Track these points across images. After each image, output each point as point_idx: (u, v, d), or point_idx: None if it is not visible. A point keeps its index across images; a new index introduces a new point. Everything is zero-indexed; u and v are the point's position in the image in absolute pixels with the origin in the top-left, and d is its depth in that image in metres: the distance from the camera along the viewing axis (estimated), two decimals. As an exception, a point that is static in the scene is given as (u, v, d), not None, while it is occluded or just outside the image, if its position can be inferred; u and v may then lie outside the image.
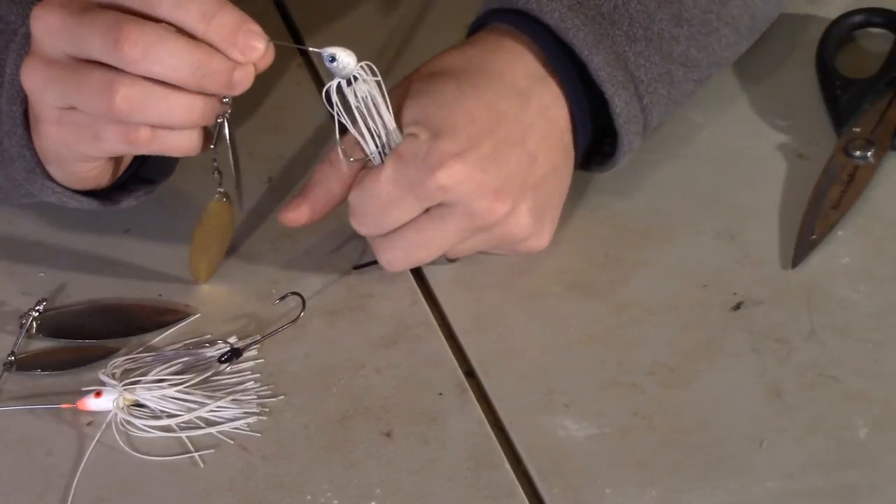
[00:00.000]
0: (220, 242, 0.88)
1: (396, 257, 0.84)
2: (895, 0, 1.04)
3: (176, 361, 0.82)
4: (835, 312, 0.85)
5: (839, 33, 1.03)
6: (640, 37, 0.86)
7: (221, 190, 0.86)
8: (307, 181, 0.86)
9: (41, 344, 0.85)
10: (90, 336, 0.85)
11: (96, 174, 0.84)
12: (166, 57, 0.76)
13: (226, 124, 0.81)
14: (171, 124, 0.79)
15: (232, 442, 0.79)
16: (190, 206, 0.92)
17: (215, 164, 0.84)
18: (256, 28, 0.78)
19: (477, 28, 0.89)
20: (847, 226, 0.90)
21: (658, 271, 0.88)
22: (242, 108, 1.02)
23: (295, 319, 0.85)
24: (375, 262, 0.88)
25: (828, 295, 0.86)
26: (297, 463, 0.78)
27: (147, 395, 0.80)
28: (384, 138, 0.82)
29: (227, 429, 0.80)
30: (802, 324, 0.85)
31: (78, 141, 0.80)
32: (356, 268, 0.89)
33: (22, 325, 0.85)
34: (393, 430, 0.80)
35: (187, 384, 0.81)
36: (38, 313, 0.86)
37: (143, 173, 0.89)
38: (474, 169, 0.81)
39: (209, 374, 0.82)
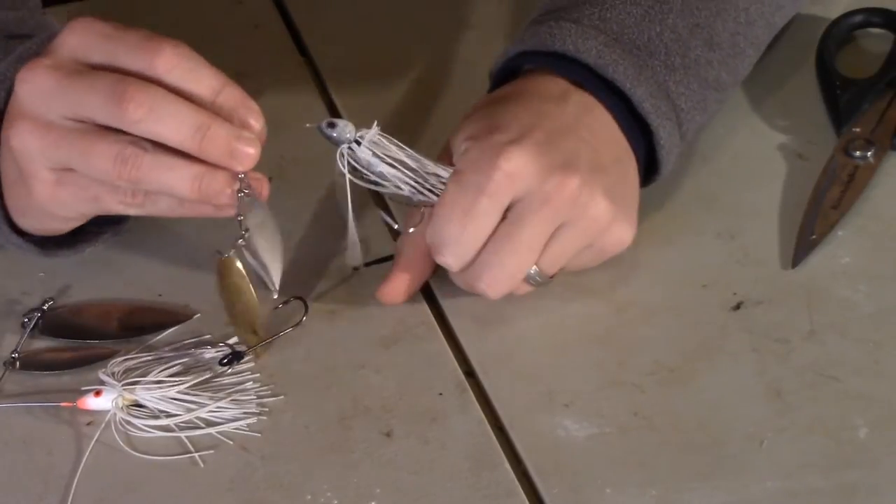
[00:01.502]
0: (245, 294, 0.85)
1: (494, 276, 0.82)
2: (895, 0, 1.04)
3: (176, 362, 0.82)
4: (835, 312, 0.85)
5: (839, 33, 1.03)
6: (678, 65, 0.87)
7: (232, 252, 0.84)
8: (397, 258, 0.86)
9: (42, 343, 0.85)
10: (91, 336, 0.85)
11: (71, 227, 0.84)
12: (169, 117, 0.76)
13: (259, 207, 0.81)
14: (176, 194, 0.78)
15: (232, 442, 0.79)
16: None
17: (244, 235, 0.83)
18: (255, 108, 0.79)
19: (505, 70, 0.89)
20: (847, 226, 0.90)
21: (658, 271, 0.88)
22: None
23: (297, 324, 0.85)
24: (377, 262, 0.88)
25: (828, 295, 0.86)
26: (297, 463, 0.78)
27: (146, 395, 0.80)
28: (420, 178, 0.82)
29: (227, 429, 0.80)
30: (802, 324, 0.85)
31: (75, 201, 0.79)
32: (356, 268, 0.89)
33: (24, 325, 0.85)
34: (393, 430, 0.80)
35: (187, 385, 0.81)
36: (41, 313, 0.86)
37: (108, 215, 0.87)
38: (533, 151, 0.80)
39: (209, 375, 0.82)
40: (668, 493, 0.76)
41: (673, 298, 0.87)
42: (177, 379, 0.81)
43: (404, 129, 1.00)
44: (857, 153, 0.94)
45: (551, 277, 0.84)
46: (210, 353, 0.83)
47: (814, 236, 0.89)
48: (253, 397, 0.81)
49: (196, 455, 0.78)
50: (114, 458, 0.79)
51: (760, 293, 0.86)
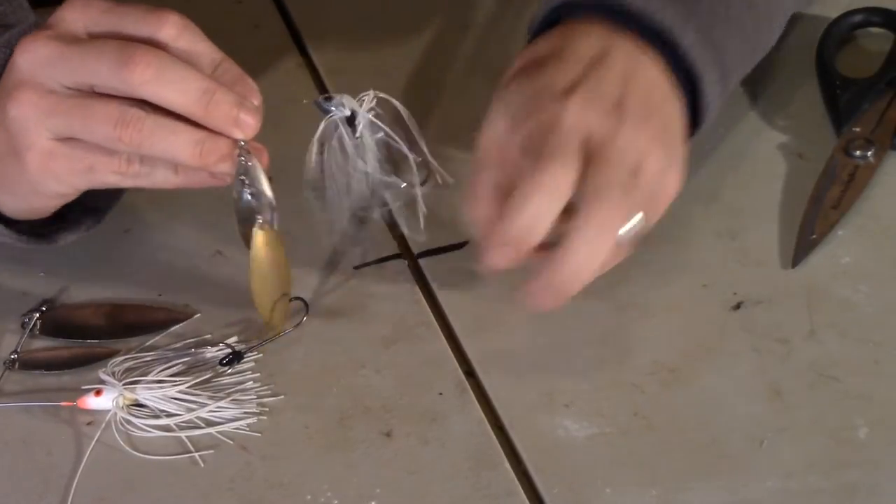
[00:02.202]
0: (281, 275, 0.84)
1: (586, 251, 0.78)
2: (895, 0, 1.04)
3: (176, 362, 0.82)
4: (835, 312, 0.85)
5: (839, 33, 1.03)
6: (721, 18, 0.85)
7: (260, 219, 0.82)
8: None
9: (42, 343, 0.85)
10: (91, 336, 0.85)
11: (55, 206, 0.84)
12: (177, 80, 0.76)
13: (258, 167, 0.80)
14: (177, 159, 0.78)
15: (232, 442, 0.79)
16: (191, 206, 0.93)
17: (247, 192, 0.81)
18: (253, 84, 0.80)
19: (543, 25, 0.87)
20: (847, 226, 0.90)
21: (658, 271, 0.88)
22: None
23: (298, 324, 0.85)
24: (375, 262, 0.88)
25: (828, 295, 0.86)
26: (297, 463, 0.78)
27: (147, 394, 0.80)
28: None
29: (227, 429, 0.80)
30: (802, 324, 0.85)
31: (69, 173, 0.79)
32: (356, 268, 0.89)
33: (24, 325, 0.85)
34: (393, 430, 0.80)
35: (187, 385, 0.81)
36: (41, 312, 0.86)
37: (89, 202, 0.87)
38: (586, 96, 0.79)
39: (209, 375, 0.82)
40: (668, 493, 0.76)
41: (673, 298, 0.87)
42: (177, 379, 0.81)
43: (404, 128, 1.00)
44: (858, 153, 0.94)
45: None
46: (210, 353, 0.83)
47: (814, 236, 0.89)
48: (253, 397, 0.81)
49: (196, 455, 0.78)
50: (114, 458, 0.79)
51: (760, 293, 0.87)
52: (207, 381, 0.82)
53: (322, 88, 1.04)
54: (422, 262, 0.90)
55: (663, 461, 0.78)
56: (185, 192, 0.94)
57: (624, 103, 0.80)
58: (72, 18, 0.78)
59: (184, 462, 0.78)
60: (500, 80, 0.84)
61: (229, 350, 0.83)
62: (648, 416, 0.80)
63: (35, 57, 0.77)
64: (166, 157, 0.78)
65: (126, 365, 0.82)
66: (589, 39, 0.83)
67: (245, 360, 0.83)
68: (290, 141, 0.99)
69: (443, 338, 0.85)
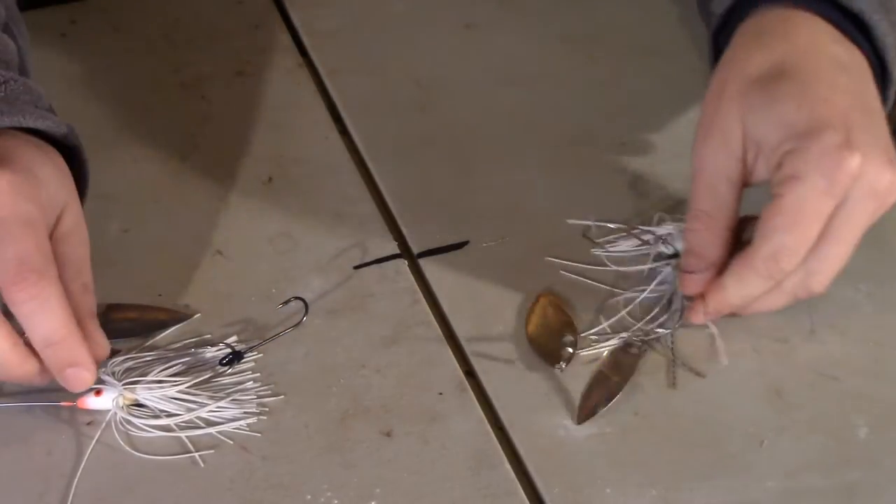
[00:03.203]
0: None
1: (832, 271, 0.80)
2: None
3: (176, 362, 0.82)
4: (835, 312, 0.85)
5: None
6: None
7: None
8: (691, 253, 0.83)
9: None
10: None
11: None
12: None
13: None
14: None
15: (231, 442, 0.79)
16: (191, 206, 0.93)
17: None
18: (87, 372, 0.78)
19: (730, 14, 0.86)
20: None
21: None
22: (243, 107, 1.02)
23: (297, 324, 0.85)
24: (375, 262, 0.88)
25: (828, 295, 0.86)
26: (297, 463, 0.78)
27: (147, 394, 0.80)
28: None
29: (227, 429, 0.80)
30: (802, 324, 0.85)
31: None
32: (356, 267, 0.89)
33: None
34: (393, 430, 0.80)
35: (187, 384, 0.81)
36: None
37: None
38: (867, 149, 0.78)
39: (209, 375, 0.82)
40: (668, 493, 0.76)
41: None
42: (177, 378, 0.81)
43: (404, 128, 1.00)
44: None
45: None
46: (210, 353, 0.83)
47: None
48: (253, 397, 0.81)
49: (196, 455, 0.78)
50: (114, 458, 0.79)
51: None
52: (207, 381, 0.82)
53: (322, 88, 1.04)
54: (422, 262, 0.90)
55: (663, 461, 0.78)
56: (186, 191, 0.94)
57: (883, 141, 0.79)
58: None
59: (184, 462, 0.78)
60: (710, 94, 0.83)
61: (229, 350, 0.83)
62: (648, 415, 0.80)
63: None
64: None
65: (126, 365, 0.82)
66: (823, 42, 0.82)
67: (245, 360, 0.83)
68: (290, 141, 0.99)
69: (443, 338, 0.85)
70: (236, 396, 0.81)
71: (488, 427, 0.80)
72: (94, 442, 0.79)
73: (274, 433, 0.80)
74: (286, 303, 0.86)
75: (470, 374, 0.83)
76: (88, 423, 0.80)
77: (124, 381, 0.80)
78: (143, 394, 0.80)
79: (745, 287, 0.81)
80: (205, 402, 0.80)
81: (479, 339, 0.85)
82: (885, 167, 0.78)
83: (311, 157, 0.98)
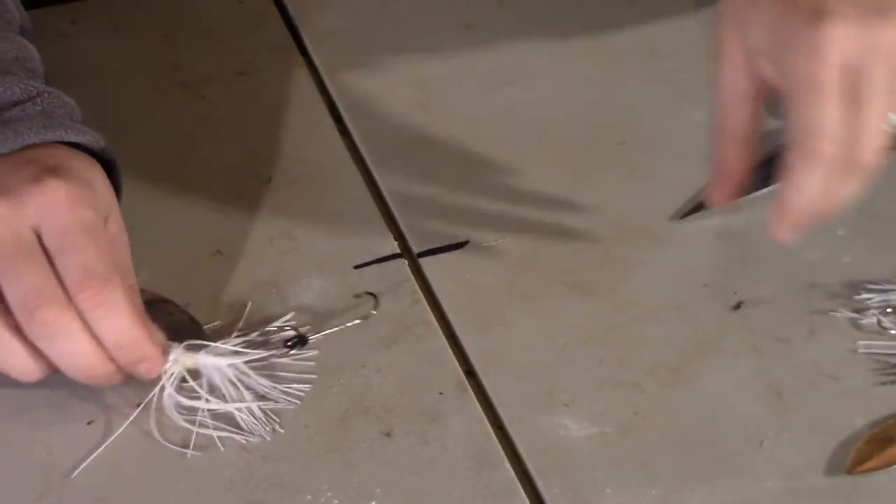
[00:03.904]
0: None
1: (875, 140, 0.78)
2: None
3: (240, 338, 0.82)
4: (835, 312, 0.85)
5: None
6: None
7: None
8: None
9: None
10: None
11: None
12: (65, 351, 0.76)
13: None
14: (3, 370, 0.78)
15: (244, 441, 0.79)
16: (191, 205, 0.93)
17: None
18: (154, 364, 0.79)
19: None
20: (847, 226, 0.90)
21: (658, 271, 0.88)
22: (243, 107, 1.02)
23: (366, 316, 0.85)
24: (375, 262, 0.88)
25: (828, 294, 0.86)
26: (297, 463, 0.78)
27: (206, 360, 0.80)
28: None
29: (271, 406, 0.80)
30: (802, 324, 0.85)
31: None
32: (356, 267, 0.89)
33: None
34: (393, 430, 0.80)
35: (248, 359, 0.81)
36: None
37: None
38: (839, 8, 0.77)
39: (266, 355, 0.82)
40: (668, 493, 0.76)
41: (673, 298, 0.87)
42: (239, 350, 0.81)
43: (404, 128, 1.00)
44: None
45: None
46: (275, 336, 0.83)
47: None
48: (306, 386, 0.81)
49: (216, 438, 0.78)
50: (114, 457, 0.79)
51: (760, 293, 0.87)
52: (264, 359, 0.82)
53: (322, 88, 1.04)
54: (422, 261, 0.90)
55: (663, 461, 0.78)
56: (186, 191, 0.94)
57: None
58: (34, 206, 0.76)
59: (184, 462, 0.78)
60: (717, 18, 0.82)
61: (295, 333, 0.83)
62: (648, 416, 0.80)
63: None
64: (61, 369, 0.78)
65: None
66: None
67: (308, 345, 0.83)
68: (290, 141, 0.99)
69: (443, 338, 0.85)
70: (285, 381, 0.81)
71: (488, 427, 0.80)
72: (94, 442, 0.79)
73: (274, 433, 0.80)
74: (358, 296, 0.86)
75: (470, 374, 0.83)
76: (89, 423, 0.80)
77: (186, 342, 0.80)
78: (203, 359, 0.80)
79: (802, 185, 0.79)
80: (257, 386, 0.80)
81: (479, 339, 0.85)
82: (861, 23, 0.77)
83: (311, 157, 0.98)
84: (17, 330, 0.76)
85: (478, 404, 0.81)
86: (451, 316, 0.86)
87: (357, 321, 0.85)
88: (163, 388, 0.80)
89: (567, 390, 0.81)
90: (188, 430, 0.79)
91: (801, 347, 0.83)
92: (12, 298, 0.75)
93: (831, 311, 0.85)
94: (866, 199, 0.92)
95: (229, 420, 0.80)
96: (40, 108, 0.82)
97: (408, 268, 0.89)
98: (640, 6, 1.11)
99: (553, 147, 0.98)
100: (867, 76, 0.77)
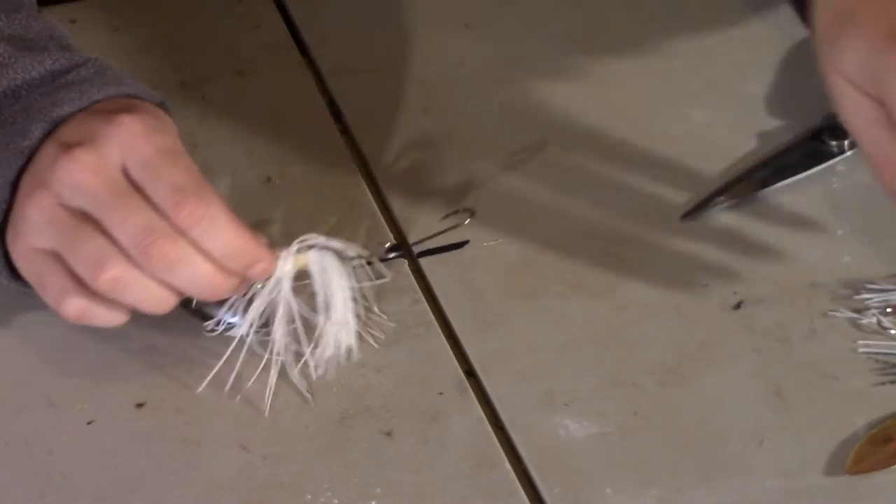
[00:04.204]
0: None
1: None
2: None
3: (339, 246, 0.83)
4: (835, 312, 0.85)
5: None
6: None
7: None
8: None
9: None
10: None
11: None
12: (188, 276, 0.78)
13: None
14: (140, 309, 0.79)
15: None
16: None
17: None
18: (268, 264, 0.80)
19: None
20: (847, 226, 0.90)
21: (658, 271, 0.88)
22: (243, 107, 1.02)
23: (457, 225, 0.88)
24: (378, 261, 0.88)
25: (828, 294, 0.86)
26: (297, 463, 0.78)
27: (316, 257, 0.81)
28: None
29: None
30: (802, 324, 0.85)
31: (36, 284, 0.80)
32: (355, 267, 0.89)
33: None
34: (393, 430, 0.80)
35: (354, 256, 0.82)
36: None
37: None
38: None
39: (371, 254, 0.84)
40: (668, 493, 0.76)
41: (673, 298, 0.87)
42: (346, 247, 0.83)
43: (404, 128, 1.00)
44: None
45: None
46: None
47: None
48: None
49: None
50: (114, 457, 0.79)
51: (760, 293, 0.87)
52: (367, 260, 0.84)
53: (322, 88, 1.04)
54: (422, 261, 0.90)
55: (663, 461, 0.78)
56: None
57: None
58: (116, 145, 0.78)
59: (184, 462, 0.78)
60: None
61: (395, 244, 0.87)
62: (648, 415, 0.80)
63: (72, 179, 0.77)
64: (133, 307, 0.79)
65: None
66: None
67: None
68: (290, 141, 0.99)
69: (443, 338, 0.85)
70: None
71: (488, 427, 0.80)
72: (94, 442, 0.79)
73: (274, 433, 0.80)
74: (454, 213, 0.89)
75: (470, 374, 0.83)
76: (89, 423, 0.80)
77: (298, 241, 0.82)
78: (312, 256, 0.81)
79: None
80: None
81: (479, 339, 0.85)
82: None
83: (311, 157, 0.98)
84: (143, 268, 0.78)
85: (478, 404, 0.81)
86: (451, 316, 0.86)
87: (452, 228, 0.88)
88: (279, 288, 0.81)
89: (567, 390, 0.81)
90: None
91: (801, 347, 0.83)
92: (124, 241, 0.77)
93: (831, 311, 0.85)
94: (866, 199, 0.92)
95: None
96: (93, 70, 0.84)
97: (408, 268, 0.89)
98: (640, 6, 1.11)
99: (553, 147, 0.98)
100: None
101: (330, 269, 0.82)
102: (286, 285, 0.81)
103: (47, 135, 0.80)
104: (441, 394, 0.82)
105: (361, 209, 0.93)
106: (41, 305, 0.85)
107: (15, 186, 0.80)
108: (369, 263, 0.84)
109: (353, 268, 0.83)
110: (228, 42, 1.08)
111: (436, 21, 1.10)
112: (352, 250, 0.83)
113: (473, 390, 0.82)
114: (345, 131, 1.00)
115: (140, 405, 0.81)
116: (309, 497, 0.77)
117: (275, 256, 0.80)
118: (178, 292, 0.79)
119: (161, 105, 0.84)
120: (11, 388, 0.82)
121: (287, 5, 1.12)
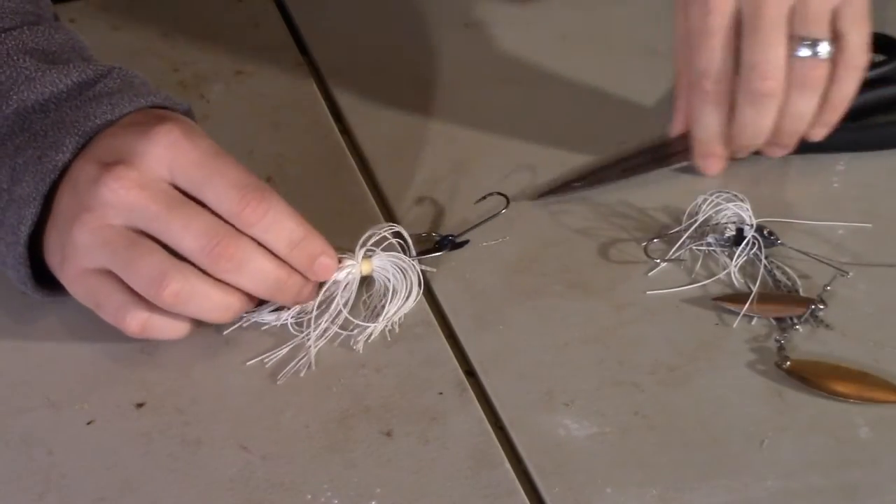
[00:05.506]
0: None
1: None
2: (893, 27, 1.03)
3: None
4: (835, 312, 0.85)
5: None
6: None
7: None
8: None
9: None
10: None
11: None
12: (255, 274, 0.79)
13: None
14: (204, 319, 0.81)
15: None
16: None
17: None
18: (330, 259, 0.82)
19: None
20: (847, 226, 0.90)
21: (658, 271, 0.88)
22: (243, 107, 1.02)
23: (496, 214, 0.90)
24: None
25: (828, 294, 0.86)
26: (297, 463, 0.78)
27: (382, 262, 0.85)
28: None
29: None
30: (802, 323, 0.85)
31: (83, 295, 0.81)
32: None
33: None
34: (393, 430, 0.80)
35: (416, 258, 0.86)
36: None
37: None
38: None
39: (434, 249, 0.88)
40: (668, 493, 0.76)
41: (673, 298, 0.87)
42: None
43: (404, 128, 1.00)
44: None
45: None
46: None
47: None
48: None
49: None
50: (114, 457, 0.79)
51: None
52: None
53: (322, 88, 1.04)
54: (422, 261, 0.90)
55: (663, 461, 0.78)
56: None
57: None
58: (158, 156, 0.78)
59: (184, 462, 0.78)
60: None
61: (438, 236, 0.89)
62: (648, 415, 0.80)
63: (118, 199, 0.78)
64: (196, 317, 0.81)
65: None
66: None
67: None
68: (290, 141, 0.99)
69: (443, 338, 0.85)
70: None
71: (488, 427, 0.80)
72: (94, 442, 0.79)
73: (274, 433, 0.80)
74: (484, 198, 0.91)
75: (470, 373, 0.83)
76: (89, 423, 0.80)
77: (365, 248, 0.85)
78: (377, 262, 0.85)
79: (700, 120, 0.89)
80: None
81: (479, 339, 0.85)
82: None
83: (311, 156, 0.98)
84: (202, 274, 0.78)
85: (478, 404, 0.81)
86: (451, 316, 0.86)
87: (491, 219, 0.90)
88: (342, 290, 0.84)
89: (567, 390, 0.82)
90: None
91: (801, 347, 0.83)
92: (188, 248, 0.78)
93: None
94: (866, 199, 0.92)
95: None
96: (119, 80, 0.84)
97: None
98: (640, 6, 1.11)
99: (553, 147, 0.98)
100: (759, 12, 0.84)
101: (391, 275, 0.85)
102: (354, 287, 0.84)
103: (80, 148, 0.80)
104: (441, 394, 0.82)
105: (361, 209, 0.93)
106: (41, 305, 0.86)
107: (47, 199, 0.80)
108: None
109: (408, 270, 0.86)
110: (228, 42, 1.08)
111: (436, 21, 1.10)
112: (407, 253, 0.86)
113: (473, 390, 0.82)
114: (344, 131, 1.00)
115: (140, 405, 0.81)
116: (309, 497, 0.77)
117: (334, 254, 0.82)
118: (242, 296, 0.80)
119: (187, 112, 0.85)
120: (11, 388, 0.82)
121: (287, 5, 1.12)
